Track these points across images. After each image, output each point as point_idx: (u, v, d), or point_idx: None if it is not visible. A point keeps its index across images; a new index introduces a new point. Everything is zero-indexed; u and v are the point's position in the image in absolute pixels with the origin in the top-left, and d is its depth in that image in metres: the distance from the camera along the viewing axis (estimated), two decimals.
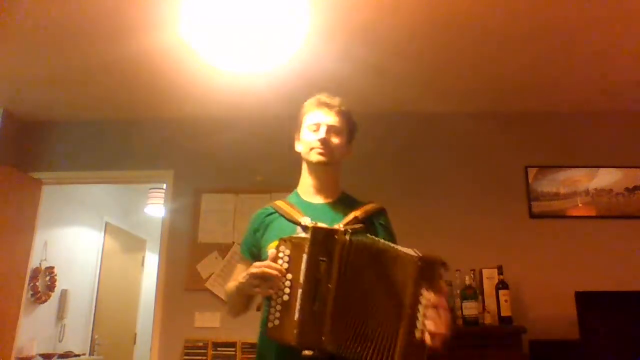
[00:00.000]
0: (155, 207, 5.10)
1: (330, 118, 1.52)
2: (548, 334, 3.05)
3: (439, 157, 3.61)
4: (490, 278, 3.08)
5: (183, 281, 3.48)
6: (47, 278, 4.24)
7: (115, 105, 3.72)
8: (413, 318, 1.14)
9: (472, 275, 3.05)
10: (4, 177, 3.49)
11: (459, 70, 3.16)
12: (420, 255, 1.18)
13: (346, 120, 1.55)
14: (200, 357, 3.30)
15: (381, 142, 3.51)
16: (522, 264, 3.24)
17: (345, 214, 1.44)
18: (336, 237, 1.23)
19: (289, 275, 1.23)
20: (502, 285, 3.01)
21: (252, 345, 3.29)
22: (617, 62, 3.05)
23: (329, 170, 1.54)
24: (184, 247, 3.54)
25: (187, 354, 3.31)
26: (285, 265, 1.24)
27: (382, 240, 1.27)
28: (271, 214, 1.52)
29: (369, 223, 1.44)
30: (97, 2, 2.51)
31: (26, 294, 3.75)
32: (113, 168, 3.81)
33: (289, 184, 3.88)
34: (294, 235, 1.30)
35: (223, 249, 3.50)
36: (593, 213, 3.44)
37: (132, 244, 5.76)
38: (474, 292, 3.00)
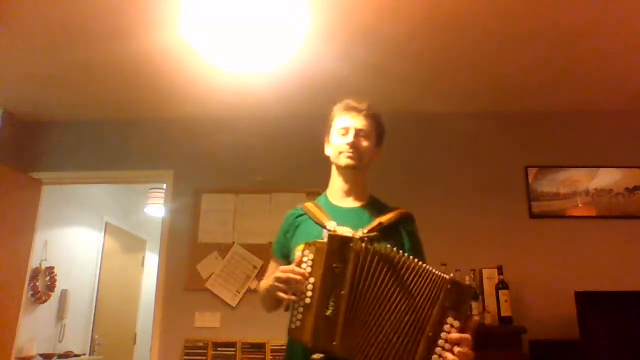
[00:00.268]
0: (155, 207, 5.10)
1: (359, 122, 1.53)
2: (548, 334, 3.05)
3: (439, 157, 3.61)
4: (490, 278, 3.08)
5: (183, 281, 3.48)
6: (47, 278, 4.24)
7: (115, 105, 3.72)
8: (434, 342, 1.17)
9: (472, 275, 3.05)
10: (4, 177, 3.49)
11: (459, 70, 3.16)
12: (452, 277, 1.20)
13: (375, 123, 1.57)
14: (200, 357, 3.30)
15: None
16: (522, 264, 3.24)
17: (372, 219, 1.46)
18: (351, 244, 1.26)
19: (312, 279, 1.26)
20: (502, 285, 3.02)
21: (252, 345, 3.29)
22: (617, 62, 3.05)
23: (358, 174, 1.56)
24: (184, 247, 3.54)
25: (187, 354, 3.31)
26: (309, 269, 1.27)
27: (400, 251, 1.27)
28: (301, 215, 1.55)
29: (395, 229, 1.46)
30: (97, 2, 2.51)
31: (26, 294, 3.75)
32: (113, 168, 3.81)
33: (289, 184, 3.90)
34: (318, 240, 1.32)
35: (223, 249, 3.50)
36: (593, 213, 3.44)
37: (132, 244, 5.76)
38: (474, 292, 3.00)
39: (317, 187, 3.55)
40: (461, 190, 3.49)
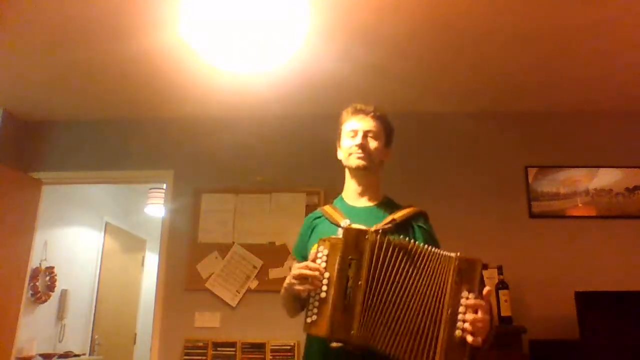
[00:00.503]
0: (155, 207, 5.10)
1: (366, 123, 1.59)
2: (548, 334, 3.05)
3: (439, 157, 3.61)
4: (490, 278, 3.08)
5: (183, 281, 3.48)
6: (47, 278, 4.24)
7: (115, 105, 3.72)
8: (454, 318, 1.22)
9: None
10: (4, 177, 3.49)
11: (459, 70, 3.16)
12: (459, 255, 1.26)
13: (383, 124, 1.62)
14: (200, 357, 3.30)
15: None
16: (522, 264, 3.24)
17: (385, 217, 1.50)
18: (366, 237, 1.30)
19: (327, 274, 1.29)
20: (502, 285, 3.02)
21: (252, 345, 3.29)
22: (617, 63, 3.05)
23: (370, 175, 1.59)
24: (184, 247, 3.54)
25: (187, 354, 3.31)
26: (324, 265, 1.31)
27: (414, 241, 1.32)
28: (318, 217, 1.60)
29: (407, 225, 1.50)
30: (97, 2, 2.51)
31: (26, 294, 3.75)
32: (113, 168, 3.81)
33: (289, 184, 3.91)
34: (332, 236, 1.36)
35: (223, 249, 3.50)
36: (593, 213, 3.44)
37: (132, 244, 5.76)
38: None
39: (317, 187, 3.60)
40: (461, 190, 3.49)
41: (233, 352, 3.29)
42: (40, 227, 3.88)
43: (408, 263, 1.29)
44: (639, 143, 3.56)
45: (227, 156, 3.73)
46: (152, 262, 5.56)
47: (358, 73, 3.14)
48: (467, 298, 1.23)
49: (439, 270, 1.27)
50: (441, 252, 1.30)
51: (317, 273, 1.29)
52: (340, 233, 1.41)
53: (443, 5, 2.51)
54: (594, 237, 3.37)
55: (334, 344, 1.24)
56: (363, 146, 1.55)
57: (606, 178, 3.48)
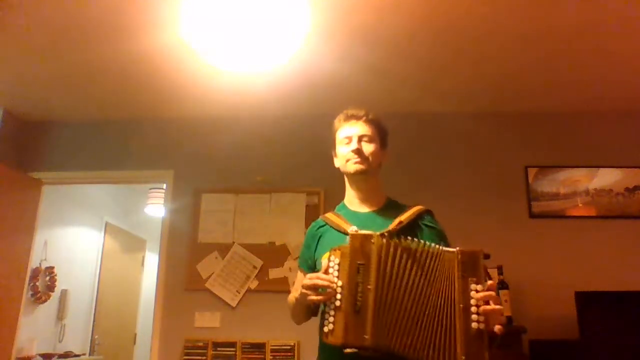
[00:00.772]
0: (155, 207, 5.10)
1: (360, 128, 1.58)
2: (548, 334, 3.05)
3: (439, 157, 3.61)
4: None
5: (183, 281, 3.48)
6: (47, 278, 4.24)
7: (115, 106, 3.72)
8: (467, 312, 1.23)
9: None
10: (4, 177, 3.49)
11: (459, 70, 3.16)
12: (459, 249, 1.28)
13: (376, 127, 1.61)
14: (200, 357, 3.30)
15: None
16: (522, 264, 3.24)
17: (391, 220, 1.49)
18: (372, 241, 1.31)
19: (340, 282, 1.30)
20: (502, 285, 3.01)
21: (252, 345, 3.29)
22: (617, 63, 3.05)
23: (369, 179, 1.59)
24: (184, 247, 3.54)
25: (187, 354, 3.32)
26: (336, 273, 1.31)
27: (418, 240, 1.33)
28: (322, 226, 1.59)
29: (415, 226, 1.50)
30: (97, 2, 2.51)
31: (26, 294, 3.75)
32: (113, 168, 3.81)
33: (289, 184, 3.90)
34: (343, 245, 1.36)
35: (223, 249, 3.50)
36: (593, 213, 3.44)
37: (132, 244, 5.76)
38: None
39: (317, 187, 3.60)
40: (461, 190, 3.49)
41: (233, 352, 3.29)
42: (40, 227, 3.88)
43: (415, 263, 1.29)
44: (639, 143, 3.56)
45: (227, 156, 3.73)
46: (152, 262, 5.56)
47: (358, 73, 3.14)
48: (476, 291, 1.25)
49: (444, 267, 1.28)
50: (442, 248, 1.31)
51: (326, 283, 1.30)
52: (348, 240, 1.41)
53: (443, 5, 2.51)
54: (594, 237, 3.37)
55: (348, 350, 1.24)
56: (359, 151, 1.54)
57: (606, 178, 3.48)
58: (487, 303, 1.25)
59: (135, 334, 5.59)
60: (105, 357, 4.91)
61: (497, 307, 1.24)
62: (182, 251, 3.54)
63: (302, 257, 1.64)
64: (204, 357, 3.30)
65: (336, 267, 1.32)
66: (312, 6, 2.51)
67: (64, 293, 4.46)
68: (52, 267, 4.27)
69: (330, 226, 1.55)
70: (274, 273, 3.41)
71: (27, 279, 3.72)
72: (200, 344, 3.33)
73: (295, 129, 3.72)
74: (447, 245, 1.41)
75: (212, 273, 3.46)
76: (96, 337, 4.88)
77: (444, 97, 3.49)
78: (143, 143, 3.84)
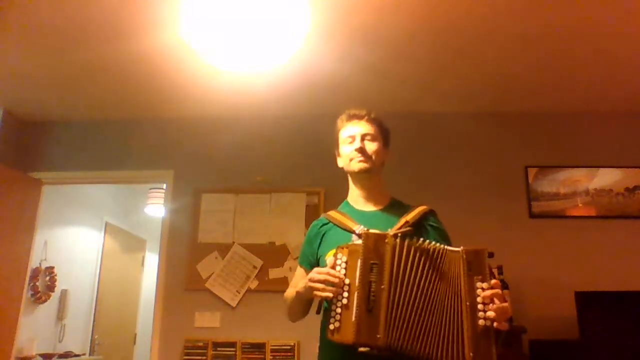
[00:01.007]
0: (155, 207, 5.10)
1: (362, 127, 1.60)
2: (548, 334, 3.05)
3: (439, 157, 3.61)
4: None
5: (183, 281, 3.48)
6: (47, 278, 4.24)
7: (115, 105, 3.72)
8: (474, 309, 1.26)
9: None
10: (4, 177, 3.49)
11: (459, 70, 3.16)
12: (464, 248, 1.30)
13: (378, 126, 1.62)
14: (200, 357, 3.30)
15: None
16: (522, 264, 3.24)
17: (397, 220, 1.50)
18: (386, 241, 1.32)
19: (347, 280, 1.30)
20: (502, 285, 3.01)
21: (252, 345, 3.29)
22: (617, 63, 3.05)
23: (373, 178, 1.60)
24: (184, 247, 3.54)
25: (187, 354, 3.32)
26: (343, 272, 1.32)
27: (429, 241, 1.35)
28: (325, 224, 1.59)
29: (419, 225, 1.51)
30: (97, 2, 2.51)
31: (26, 294, 3.75)
32: (113, 168, 3.81)
33: (289, 184, 3.90)
34: (350, 243, 1.37)
35: (223, 249, 3.50)
36: (593, 213, 3.44)
37: (132, 244, 5.76)
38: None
39: (317, 187, 3.60)
40: (461, 190, 3.49)
41: (233, 352, 3.29)
42: (40, 227, 3.88)
43: (426, 263, 1.31)
44: (639, 143, 3.56)
45: (227, 156, 3.73)
46: (152, 262, 5.56)
47: (358, 73, 3.14)
48: (482, 289, 1.28)
49: (450, 266, 1.31)
50: (448, 248, 1.33)
51: (337, 280, 1.30)
52: (355, 239, 1.42)
53: (443, 5, 2.51)
54: (594, 237, 3.37)
55: (362, 349, 1.23)
56: (362, 150, 1.55)
57: (606, 178, 3.48)
58: (493, 301, 1.27)
59: (135, 334, 5.59)
60: (105, 357, 4.91)
61: (504, 304, 1.27)
62: (182, 251, 3.54)
63: (303, 254, 1.64)
64: (204, 357, 3.30)
65: (344, 265, 1.32)
66: (312, 6, 2.51)
67: (64, 293, 4.46)
68: (52, 267, 4.27)
69: (334, 224, 1.55)
70: (274, 273, 3.41)
71: (27, 279, 3.72)
72: (200, 344, 3.33)
73: (295, 129, 3.71)
74: (450, 245, 1.42)
75: (212, 273, 3.46)
76: (96, 337, 4.88)
77: (444, 97, 3.49)
78: (143, 143, 3.84)
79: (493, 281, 1.30)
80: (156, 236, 3.90)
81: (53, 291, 4.27)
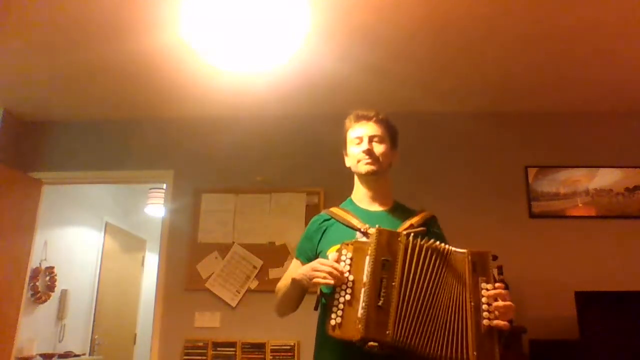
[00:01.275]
0: (155, 207, 5.10)
1: (370, 128, 1.60)
2: (548, 334, 3.05)
3: (439, 157, 3.61)
4: None
5: (183, 281, 3.48)
6: (47, 278, 4.24)
7: (115, 105, 3.72)
8: (478, 310, 1.28)
9: None
10: (4, 177, 3.49)
11: (459, 70, 3.16)
12: (470, 250, 1.33)
13: (386, 127, 1.63)
14: (200, 357, 3.30)
15: None
16: (522, 264, 3.24)
17: (402, 222, 1.52)
18: (399, 239, 1.33)
19: (351, 277, 1.30)
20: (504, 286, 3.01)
21: (252, 345, 3.29)
22: (617, 63, 3.05)
23: (380, 179, 1.61)
24: (184, 247, 3.54)
25: (187, 354, 3.31)
26: (347, 268, 1.32)
27: (439, 242, 1.36)
28: (327, 220, 1.59)
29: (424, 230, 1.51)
30: (97, 2, 2.51)
31: (26, 294, 3.75)
32: (113, 168, 3.81)
33: (289, 184, 3.90)
34: (357, 240, 1.38)
35: (223, 249, 3.50)
36: (593, 213, 3.44)
37: (132, 244, 5.76)
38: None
39: (317, 187, 3.60)
40: (461, 190, 3.49)
41: (233, 352, 3.29)
42: (40, 227, 3.87)
43: (435, 263, 1.32)
44: (639, 143, 3.56)
45: (227, 156, 3.73)
46: (152, 262, 5.56)
47: (358, 73, 3.14)
48: (487, 289, 1.30)
49: (456, 267, 1.33)
50: (455, 249, 1.36)
51: (340, 274, 1.30)
52: (359, 236, 1.43)
53: (443, 5, 2.51)
54: (594, 237, 3.37)
55: (371, 343, 1.23)
56: (370, 151, 1.56)
57: (606, 178, 3.48)
58: (497, 300, 1.29)
59: (135, 334, 5.59)
60: (105, 357, 4.91)
61: (507, 303, 1.29)
62: (182, 251, 3.54)
63: (301, 248, 1.63)
64: (204, 357, 3.30)
65: (348, 261, 1.32)
66: (312, 6, 2.51)
67: (64, 293, 4.46)
68: (52, 267, 4.27)
69: (337, 220, 1.55)
70: (274, 273, 3.41)
71: (27, 279, 3.72)
72: (200, 344, 3.33)
73: (295, 129, 3.71)
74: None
75: (212, 273, 3.46)
76: (96, 337, 4.88)
77: (444, 97, 3.49)
78: (143, 143, 3.84)
79: (497, 284, 1.32)
80: (156, 236, 3.90)
81: (53, 291, 4.27)
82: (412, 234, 1.35)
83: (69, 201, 4.56)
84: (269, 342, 3.29)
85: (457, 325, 1.27)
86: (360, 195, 1.62)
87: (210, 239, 3.54)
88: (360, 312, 1.24)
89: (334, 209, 1.60)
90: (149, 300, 4.02)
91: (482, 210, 3.43)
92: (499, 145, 3.61)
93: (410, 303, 1.27)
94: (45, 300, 4.17)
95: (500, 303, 1.28)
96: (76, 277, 4.66)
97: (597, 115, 3.62)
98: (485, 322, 1.27)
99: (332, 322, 1.28)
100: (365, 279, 1.27)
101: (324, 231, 1.56)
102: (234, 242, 3.51)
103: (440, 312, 1.28)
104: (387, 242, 1.31)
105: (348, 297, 1.28)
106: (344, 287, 1.30)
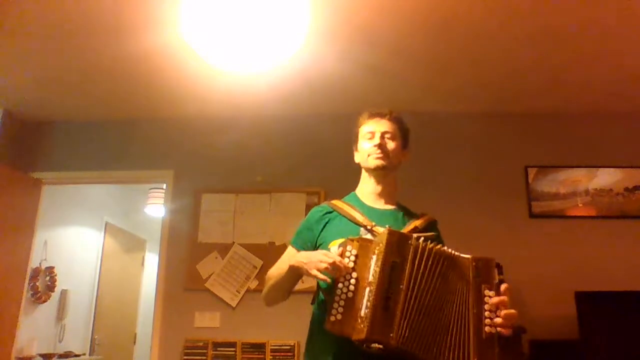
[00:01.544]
0: (155, 207, 5.10)
1: (383, 125, 1.62)
2: (548, 334, 3.05)
3: (439, 157, 3.61)
4: None
5: (183, 281, 3.48)
6: (47, 278, 4.24)
7: (115, 105, 3.72)
8: (480, 316, 1.28)
9: None
10: (4, 177, 3.49)
11: (459, 70, 3.16)
12: (474, 256, 1.33)
13: (399, 125, 1.65)
14: (200, 357, 3.30)
15: None
16: (522, 264, 3.24)
17: (405, 222, 1.52)
18: (409, 242, 1.31)
19: (354, 274, 1.29)
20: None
21: (252, 345, 3.29)
22: (617, 63, 3.05)
23: (388, 176, 1.61)
24: (184, 247, 3.54)
25: (187, 354, 3.31)
26: (351, 264, 1.30)
27: (447, 248, 1.36)
28: (329, 212, 1.57)
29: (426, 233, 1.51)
30: (97, 2, 2.51)
31: (26, 294, 3.75)
32: (113, 168, 3.81)
33: (289, 184, 3.90)
34: (362, 237, 1.37)
35: (223, 249, 3.50)
36: (593, 213, 3.44)
37: (132, 244, 5.76)
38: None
39: (317, 187, 3.60)
40: (461, 190, 3.49)
41: (233, 352, 3.29)
42: (40, 227, 3.88)
43: (441, 269, 1.31)
44: (639, 143, 3.56)
45: (227, 156, 3.73)
46: (152, 262, 5.56)
47: (358, 73, 3.14)
48: (490, 297, 1.30)
49: (461, 273, 1.32)
50: (459, 254, 1.35)
51: (344, 269, 1.28)
52: (363, 233, 1.43)
53: (443, 5, 2.51)
54: (594, 237, 3.37)
55: (376, 345, 1.22)
56: (381, 146, 1.57)
57: (606, 178, 3.48)
58: (499, 308, 1.29)
59: (135, 334, 5.59)
60: (105, 357, 4.91)
61: (511, 311, 1.29)
62: (182, 251, 3.54)
63: (299, 237, 1.59)
64: (204, 357, 3.30)
65: (353, 257, 1.31)
66: (312, 6, 2.51)
67: (64, 293, 4.46)
68: (52, 267, 4.27)
69: (340, 214, 1.53)
70: None
71: (27, 279, 3.72)
72: (200, 344, 3.33)
73: (295, 129, 3.71)
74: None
75: (212, 273, 3.46)
76: (96, 337, 4.88)
77: (444, 97, 3.49)
78: (143, 143, 3.84)
79: (503, 286, 1.32)
80: (156, 236, 3.90)
81: (53, 291, 4.27)
82: (422, 238, 1.34)
83: (69, 201, 4.56)
84: (269, 342, 3.29)
85: (459, 331, 1.26)
86: (366, 191, 1.61)
87: (210, 239, 3.54)
88: (364, 311, 1.23)
89: (337, 202, 1.59)
90: (149, 300, 4.02)
91: (482, 210, 3.43)
92: (499, 145, 3.61)
93: (416, 307, 1.26)
94: (45, 300, 4.17)
95: (503, 311, 1.28)
96: (76, 277, 4.66)
97: (597, 115, 3.62)
98: (487, 328, 1.27)
99: (332, 318, 1.26)
100: (371, 278, 1.26)
101: (326, 223, 1.54)
102: (234, 242, 3.51)
103: (443, 317, 1.27)
104: (397, 244, 1.30)
105: (350, 294, 1.27)
106: (346, 283, 1.28)
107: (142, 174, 3.84)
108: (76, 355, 4.34)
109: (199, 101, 3.56)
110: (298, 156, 3.66)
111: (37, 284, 4.08)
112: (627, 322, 2.83)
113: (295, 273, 1.44)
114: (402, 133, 1.65)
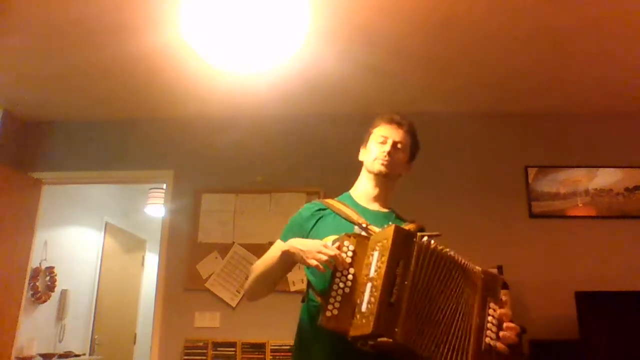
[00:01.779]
0: (155, 207, 5.10)
1: (398, 135, 1.62)
2: (548, 334, 3.05)
3: (439, 157, 3.60)
4: None
5: (183, 281, 3.48)
6: (47, 278, 4.24)
7: (115, 105, 3.72)
8: (481, 327, 1.29)
9: None
10: (4, 177, 3.49)
11: (459, 70, 3.16)
12: (483, 269, 1.35)
13: (412, 140, 1.65)
14: (200, 357, 3.30)
15: None
16: (522, 264, 3.24)
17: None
18: (415, 240, 1.31)
19: (352, 270, 1.29)
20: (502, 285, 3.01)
21: (252, 345, 3.29)
22: (617, 63, 3.05)
23: (387, 182, 1.62)
24: (184, 247, 3.54)
25: (187, 354, 3.32)
26: (349, 260, 1.30)
27: (451, 250, 1.36)
28: (322, 209, 1.57)
29: None
30: (97, 2, 2.51)
31: (26, 294, 3.75)
32: (113, 168, 3.81)
33: (289, 184, 3.90)
34: (360, 234, 1.37)
35: (223, 249, 3.50)
36: (593, 213, 3.44)
37: (132, 244, 5.76)
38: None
39: (317, 187, 3.60)
40: (461, 190, 3.49)
41: (233, 352, 3.29)
42: (40, 227, 3.88)
43: (447, 271, 1.31)
44: (639, 143, 3.56)
45: (227, 156, 3.73)
46: (152, 262, 5.56)
47: (358, 73, 3.14)
48: (495, 310, 1.31)
49: (468, 282, 1.33)
50: (469, 263, 1.36)
51: (343, 264, 1.28)
52: (357, 230, 1.43)
53: (443, 5, 2.52)
54: (594, 237, 3.37)
55: (383, 339, 1.20)
56: (390, 154, 1.57)
57: (606, 178, 3.48)
58: (502, 322, 1.30)
59: (135, 334, 5.59)
60: (105, 357, 4.91)
61: (512, 325, 1.30)
62: (182, 251, 3.54)
63: (290, 232, 1.57)
64: (204, 357, 3.30)
65: (350, 253, 1.30)
66: (312, 6, 2.51)
67: (64, 293, 4.46)
68: (52, 267, 4.27)
69: (334, 212, 1.54)
70: None
71: (27, 279, 3.72)
72: (200, 344, 3.33)
73: (295, 129, 3.71)
74: None
75: (212, 273, 3.46)
76: (96, 337, 4.88)
77: (444, 97, 3.49)
78: (143, 143, 3.84)
79: (505, 298, 1.34)
80: (156, 236, 3.90)
81: (53, 291, 4.27)
82: (426, 237, 1.33)
83: (69, 201, 4.56)
84: (268, 342, 3.29)
85: (460, 335, 1.26)
86: (362, 191, 1.62)
87: (210, 239, 3.54)
88: (366, 306, 1.22)
89: (330, 200, 1.60)
90: (149, 300, 4.02)
91: (482, 210, 3.43)
92: (499, 145, 3.61)
93: (418, 305, 1.26)
94: (45, 300, 4.17)
95: (507, 324, 1.30)
96: (76, 277, 4.67)
97: (597, 115, 3.62)
98: (487, 340, 1.27)
99: (328, 313, 1.25)
100: (374, 274, 1.25)
101: (318, 220, 1.54)
102: (234, 242, 3.51)
103: (447, 322, 1.27)
104: (403, 241, 1.29)
105: (347, 290, 1.26)
106: (343, 279, 1.28)
107: (142, 174, 3.84)
108: (76, 355, 4.34)
109: (199, 101, 3.56)
110: (298, 156, 3.66)
111: (37, 284, 4.08)
112: (627, 322, 2.83)
113: (289, 260, 1.42)
114: (412, 148, 1.66)
